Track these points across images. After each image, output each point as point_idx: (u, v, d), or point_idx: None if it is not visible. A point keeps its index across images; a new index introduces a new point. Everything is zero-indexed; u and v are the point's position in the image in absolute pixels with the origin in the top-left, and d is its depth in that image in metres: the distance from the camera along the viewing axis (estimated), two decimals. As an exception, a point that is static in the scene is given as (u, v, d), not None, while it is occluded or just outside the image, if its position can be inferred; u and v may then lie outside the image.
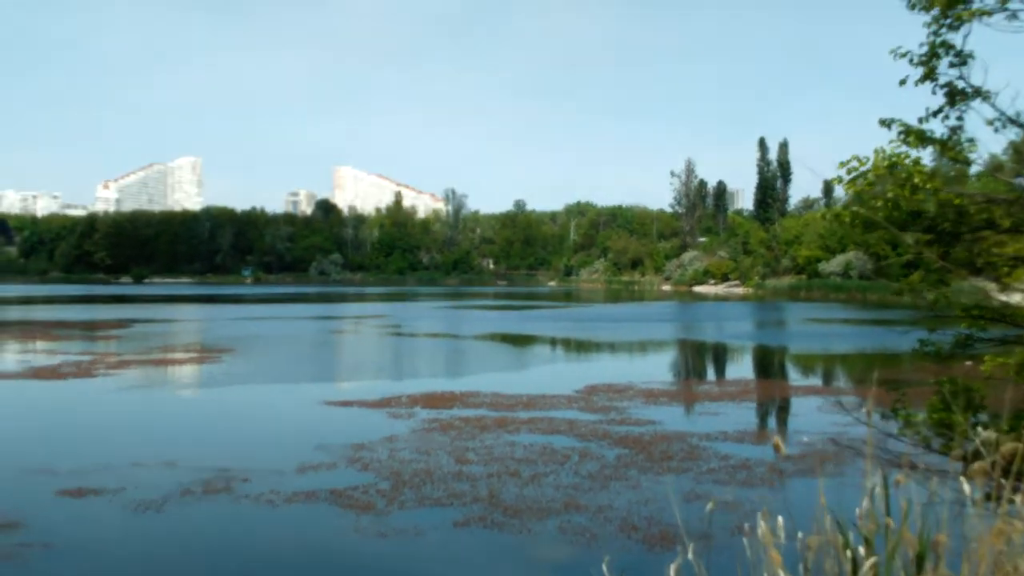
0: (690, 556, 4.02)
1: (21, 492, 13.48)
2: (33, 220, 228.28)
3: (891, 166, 6.59)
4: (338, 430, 18.71)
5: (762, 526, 4.32)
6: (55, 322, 54.05)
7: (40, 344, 38.74)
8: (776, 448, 4.48)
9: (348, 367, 30.64)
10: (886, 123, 6.88)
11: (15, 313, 68.00)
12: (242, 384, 26.23)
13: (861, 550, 4.02)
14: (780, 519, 4.43)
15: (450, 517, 12.35)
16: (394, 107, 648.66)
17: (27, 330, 48.59)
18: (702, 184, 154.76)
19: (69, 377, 26.88)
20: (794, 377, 30.52)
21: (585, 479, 14.46)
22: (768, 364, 35.61)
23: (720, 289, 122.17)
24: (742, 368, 34.85)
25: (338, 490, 13.63)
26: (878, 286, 74.59)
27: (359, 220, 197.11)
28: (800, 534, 4.30)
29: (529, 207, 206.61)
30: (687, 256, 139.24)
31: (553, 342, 43.20)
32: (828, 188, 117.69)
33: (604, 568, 4.16)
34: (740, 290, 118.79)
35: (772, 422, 21.65)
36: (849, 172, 6.88)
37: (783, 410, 23.49)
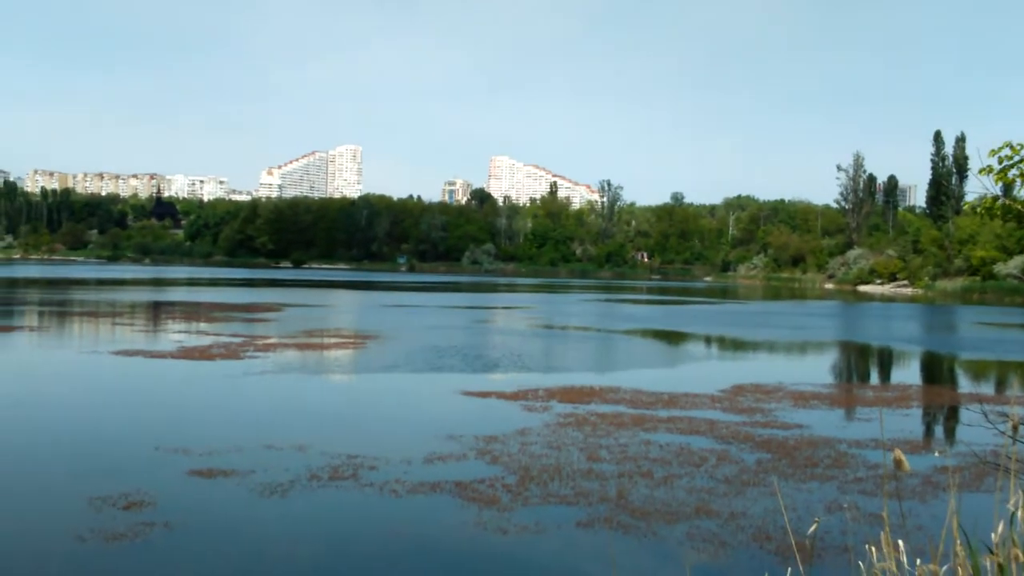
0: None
1: (154, 471, 13.72)
2: (199, 204, 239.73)
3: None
4: (471, 421, 18.51)
5: (872, 552, 3.79)
6: (214, 304, 56.24)
7: (197, 325, 40.24)
8: (897, 463, 3.92)
9: (490, 358, 30.50)
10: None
11: (179, 295, 71.15)
12: (383, 371, 26.43)
13: None
14: (900, 542, 3.91)
15: (574, 516, 11.89)
16: (553, 97, 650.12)
17: (187, 311, 50.80)
18: (871, 179, 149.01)
19: (218, 358, 27.66)
20: (961, 385, 28.62)
21: (720, 483, 13.75)
22: (933, 370, 33.67)
23: (887, 289, 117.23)
24: (903, 373, 33.05)
25: (463, 482, 13.36)
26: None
27: (513, 210, 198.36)
28: (919, 561, 3.76)
29: (687, 200, 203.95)
30: (852, 254, 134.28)
31: (703, 339, 42.14)
32: (1009, 186, 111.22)
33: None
34: (908, 291, 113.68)
35: (929, 431, 20.25)
36: (1001, 161, 6.04)
37: (942, 420, 22.01)
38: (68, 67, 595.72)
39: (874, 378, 31.28)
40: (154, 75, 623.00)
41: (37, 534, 10.83)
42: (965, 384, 28.63)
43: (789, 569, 3.79)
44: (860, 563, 3.79)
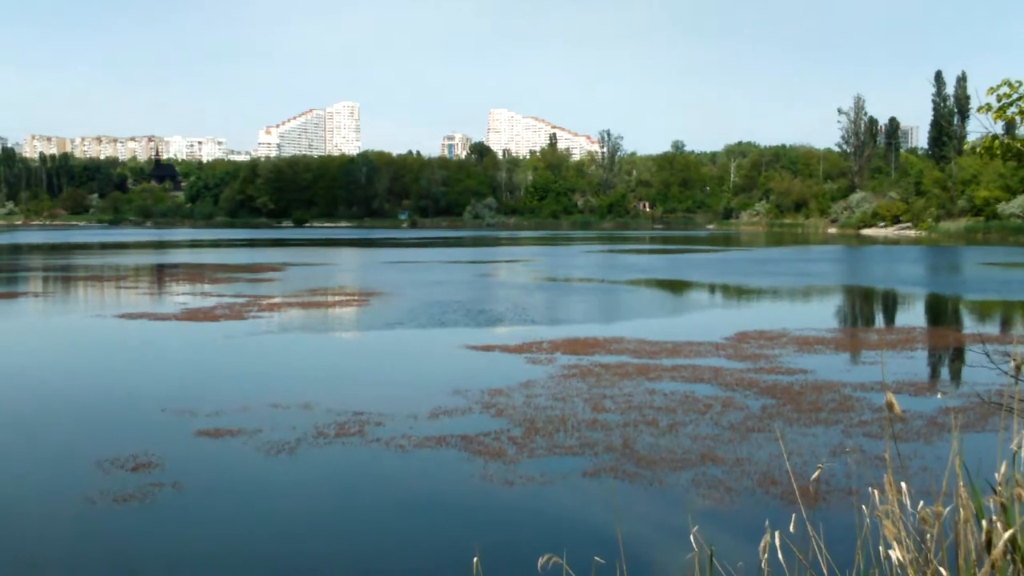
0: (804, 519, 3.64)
1: (160, 432, 13.78)
2: (199, 166, 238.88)
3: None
4: (476, 375, 18.55)
5: (875, 494, 3.78)
6: (216, 265, 56.31)
7: (199, 287, 40.30)
8: (889, 406, 3.91)
9: (494, 312, 30.52)
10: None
11: (181, 256, 71.20)
12: (387, 328, 26.46)
13: (997, 520, 3.51)
14: (904, 485, 3.91)
15: (580, 466, 11.95)
16: (551, 48, 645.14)
17: (190, 272, 50.92)
18: (872, 122, 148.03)
19: (221, 319, 27.69)
20: (965, 326, 28.59)
21: (725, 430, 13.79)
22: (937, 312, 33.64)
23: (890, 232, 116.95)
24: (908, 316, 33.07)
25: (469, 436, 13.42)
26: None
27: (513, 163, 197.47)
28: (921, 503, 3.76)
29: (688, 148, 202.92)
30: (855, 197, 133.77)
31: (706, 287, 42.12)
32: (1010, 124, 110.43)
33: (692, 539, 3.66)
34: (912, 233, 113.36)
35: (933, 373, 20.27)
36: (999, 99, 5.95)
37: (947, 361, 22.04)
38: (63, 30, 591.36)
39: (878, 321, 31.28)
40: (149, 36, 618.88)
41: (46, 496, 10.92)
42: (969, 325, 28.62)
43: (793, 514, 3.78)
44: (864, 506, 3.79)
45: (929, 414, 14.62)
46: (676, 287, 42.66)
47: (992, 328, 27.58)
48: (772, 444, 12.92)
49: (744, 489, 10.93)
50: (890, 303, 36.70)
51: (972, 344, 23.04)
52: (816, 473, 4.29)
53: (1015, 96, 5.85)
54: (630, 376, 18.18)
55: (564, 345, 22.30)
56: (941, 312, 33.42)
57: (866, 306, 36.11)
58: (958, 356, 22.40)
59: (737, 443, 13.00)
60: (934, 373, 20.26)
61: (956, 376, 20.10)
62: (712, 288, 41.71)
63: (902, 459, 11.57)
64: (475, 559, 3.64)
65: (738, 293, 39.46)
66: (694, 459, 12.24)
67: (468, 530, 9.93)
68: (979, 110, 6.11)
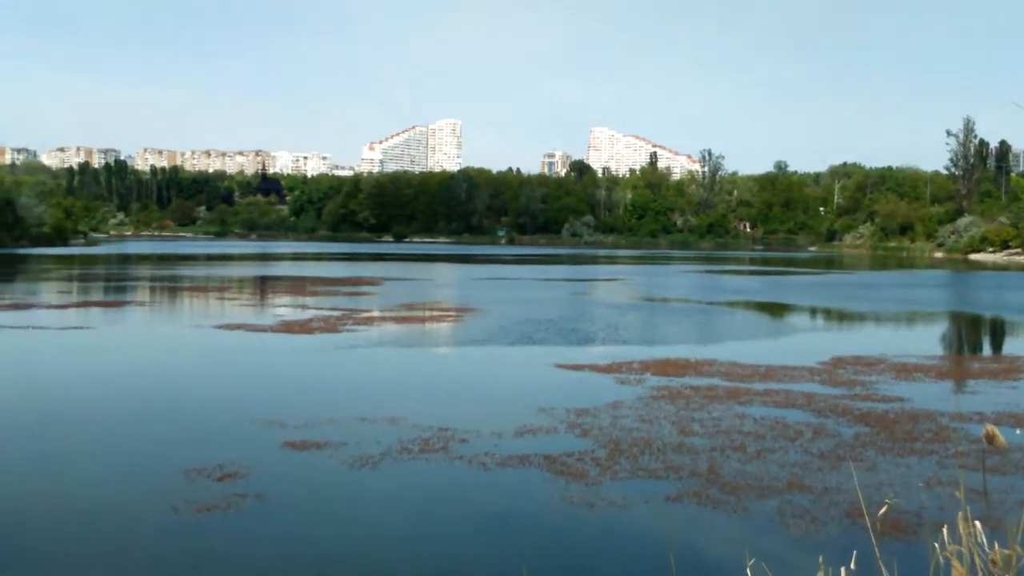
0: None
1: (249, 443, 14.06)
2: (303, 180, 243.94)
3: None
4: (564, 394, 18.47)
5: (945, 534, 3.63)
6: (316, 278, 57.37)
7: (298, 299, 41.09)
8: (990, 438, 3.75)
9: (586, 331, 30.43)
10: None
11: (283, 269, 72.74)
12: (478, 344, 26.58)
13: None
14: (978, 524, 3.76)
15: (663, 491, 11.79)
16: (655, 66, 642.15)
17: (290, 285, 52.01)
18: (982, 144, 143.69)
19: (316, 332, 28.17)
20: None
21: (815, 458, 13.46)
22: (1045, 340, 32.36)
23: (999, 258, 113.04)
24: (1014, 344, 31.87)
25: (553, 456, 13.36)
26: None
27: (613, 181, 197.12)
28: (996, 545, 3.61)
29: (790, 168, 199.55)
30: (963, 221, 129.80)
31: (804, 311, 41.30)
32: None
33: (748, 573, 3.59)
34: (1022, 259, 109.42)
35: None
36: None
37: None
38: (174, 47, 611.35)
39: (983, 350, 30.24)
40: (258, 53, 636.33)
41: (132, 503, 11.21)
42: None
43: (862, 549, 3.67)
44: (935, 544, 3.65)
45: (1031, 448, 14.04)
46: (773, 309, 41.92)
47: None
48: (863, 474, 12.56)
49: (831, 519, 10.64)
50: (995, 331, 35.45)
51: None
52: (884, 509, 4.14)
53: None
54: (720, 399, 17.90)
55: (655, 366, 22.08)
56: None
57: (970, 333, 34.94)
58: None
59: (826, 472, 12.67)
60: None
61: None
62: (810, 311, 40.90)
63: (999, 495, 11.15)
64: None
65: (837, 317, 38.60)
66: (781, 487, 11.97)
67: (544, 551, 9.87)
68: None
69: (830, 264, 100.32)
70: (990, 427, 3.86)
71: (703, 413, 16.61)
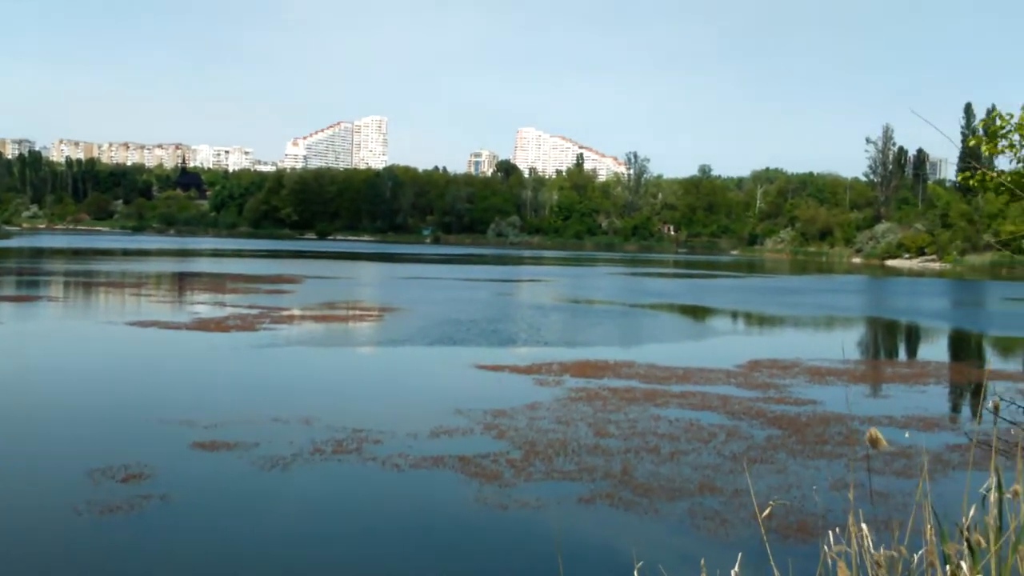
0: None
1: (157, 443, 13.71)
2: (224, 175, 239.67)
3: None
4: (482, 395, 18.42)
5: (831, 535, 3.66)
6: (235, 275, 56.49)
7: (215, 296, 40.43)
8: (873, 441, 3.79)
9: (508, 332, 30.40)
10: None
11: (201, 266, 71.44)
12: (398, 344, 26.38)
13: (964, 567, 3.38)
14: (864, 526, 3.79)
15: (576, 492, 11.79)
16: (581, 68, 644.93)
17: (207, 282, 51.06)
18: (901, 152, 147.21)
19: (232, 330, 27.70)
20: (983, 362, 28.15)
21: (727, 460, 13.60)
22: (955, 346, 33.25)
23: (915, 264, 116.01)
24: (927, 350, 32.68)
25: (467, 457, 13.28)
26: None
27: (539, 183, 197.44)
28: (882, 548, 3.64)
29: (714, 173, 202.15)
30: (880, 228, 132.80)
31: (724, 314, 41.83)
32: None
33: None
34: (936, 265, 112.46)
35: (945, 408, 19.94)
36: (990, 132, 5.81)
37: (962, 397, 21.69)
38: (93, 35, 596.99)
39: (895, 354, 30.96)
40: (179, 44, 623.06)
41: (33, 505, 10.86)
42: (988, 361, 28.21)
43: (762, 549, 3.66)
44: (827, 547, 3.65)
45: (936, 451, 14.35)
46: (694, 313, 42.39)
47: (1011, 365, 27.18)
48: (773, 476, 12.73)
49: (739, 521, 10.74)
50: (909, 336, 36.31)
51: (988, 380, 22.67)
52: (767, 511, 4.15)
53: (1006, 128, 5.71)
54: (637, 401, 18.00)
55: (574, 368, 22.14)
56: (960, 347, 33.02)
57: (884, 338, 35.72)
58: (971, 393, 22.04)
59: (738, 474, 12.78)
60: (945, 408, 19.93)
61: (959, 412, 19.74)
62: (730, 315, 41.43)
63: (904, 497, 11.36)
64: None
65: (756, 321, 39.18)
66: (693, 489, 12.06)
67: (455, 553, 9.79)
68: (967, 141, 6.03)
69: (751, 268, 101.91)
70: (873, 431, 3.92)
71: (620, 415, 16.68)
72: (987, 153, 5.91)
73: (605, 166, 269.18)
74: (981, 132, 5.80)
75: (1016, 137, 5.67)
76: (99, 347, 24.93)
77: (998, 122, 5.70)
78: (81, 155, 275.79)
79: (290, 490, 11.70)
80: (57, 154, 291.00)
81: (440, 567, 9.38)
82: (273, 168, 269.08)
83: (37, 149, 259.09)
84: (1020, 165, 6.11)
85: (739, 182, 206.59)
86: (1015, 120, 5.61)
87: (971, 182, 6.24)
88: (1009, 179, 5.91)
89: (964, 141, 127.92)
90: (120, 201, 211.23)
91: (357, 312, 36.11)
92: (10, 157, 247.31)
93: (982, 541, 3.41)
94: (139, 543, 9.67)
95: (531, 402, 17.57)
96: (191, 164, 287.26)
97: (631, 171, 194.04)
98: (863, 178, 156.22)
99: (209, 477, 12.10)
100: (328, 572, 9.28)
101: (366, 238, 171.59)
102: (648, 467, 13.10)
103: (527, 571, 9.58)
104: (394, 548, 9.93)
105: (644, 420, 16.28)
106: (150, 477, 11.80)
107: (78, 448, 13.40)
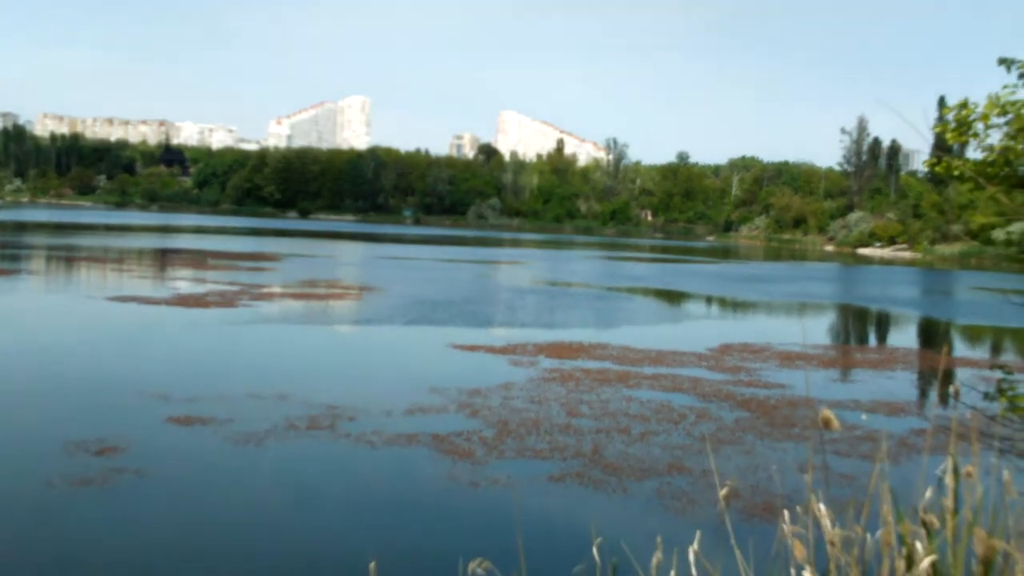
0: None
1: (132, 417, 13.83)
2: (208, 152, 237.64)
3: (1003, 114, 5.71)
4: (457, 374, 18.62)
5: (785, 515, 3.83)
6: (216, 252, 56.31)
7: (196, 273, 40.40)
8: (825, 423, 3.98)
9: (485, 312, 30.59)
10: (1006, 63, 5.94)
11: (183, 242, 71.18)
12: (376, 323, 26.55)
13: (919, 546, 3.57)
14: (822, 506, 3.96)
15: (547, 470, 12.02)
16: (563, 54, 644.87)
17: (188, 258, 50.94)
18: (875, 143, 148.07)
19: (212, 306, 27.76)
20: (950, 349, 28.59)
21: (696, 440, 13.87)
22: (922, 333, 33.72)
23: (886, 253, 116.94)
24: (895, 336, 33.12)
25: (440, 435, 13.48)
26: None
27: (519, 166, 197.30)
28: (838, 527, 3.82)
29: (692, 160, 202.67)
30: (853, 217, 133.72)
31: (698, 299, 42.18)
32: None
33: (595, 551, 3.73)
34: (907, 254, 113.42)
35: (910, 393, 20.33)
36: (956, 121, 6.02)
37: (927, 383, 22.09)
38: (79, 8, 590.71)
39: (864, 340, 31.37)
40: (165, 20, 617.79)
41: (6, 477, 10.96)
42: (954, 349, 28.66)
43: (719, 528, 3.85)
44: (784, 526, 3.84)
45: (900, 435, 14.68)
46: (669, 297, 42.71)
47: (977, 353, 27.64)
48: (741, 457, 13.01)
49: (707, 501, 11.00)
50: (878, 323, 36.76)
51: (952, 367, 23.10)
52: (724, 490, 4.34)
53: (971, 117, 5.93)
54: (610, 383, 18.25)
55: (549, 349, 22.37)
56: (928, 335, 33.48)
57: (854, 325, 36.16)
58: (935, 379, 22.42)
59: (707, 454, 13.05)
60: (911, 394, 20.31)
61: (926, 397, 20.13)
62: (704, 299, 41.78)
63: (863, 479, 11.65)
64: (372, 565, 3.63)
65: (729, 306, 39.53)
66: (662, 468, 12.31)
67: (426, 529, 9.98)
68: (934, 128, 6.22)
69: (726, 254, 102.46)
70: (826, 411, 4.07)
71: (592, 395, 16.93)
72: (951, 142, 6.13)
73: (585, 151, 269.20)
74: (949, 119, 6.01)
75: (980, 126, 5.89)
76: (78, 321, 24.92)
77: (963, 112, 5.92)
78: (65, 129, 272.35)
79: (263, 465, 11.85)
80: (41, 128, 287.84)
81: (410, 543, 9.56)
82: (257, 146, 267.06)
83: (21, 123, 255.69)
84: (984, 155, 6.33)
85: (716, 169, 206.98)
86: (980, 110, 5.84)
87: (936, 168, 6.46)
88: (972, 167, 6.13)
89: (934, 131, 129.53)
90: (103, 176, 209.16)
91: (336, 291, 36.18)
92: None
93: (935, 522, 3.60)
94: (112, 516, 9.81)
95: (505, 382, 17.78)
96: (175, 141, 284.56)
97: (610, 157, 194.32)
98: (837, 168, 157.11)
99: (183, 451, 12.23)
100: (299, 546, 9.42)
101: (348, 218, 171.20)
102: (618, 447, 13.35)
103: (494, 548, 9.75)
104: (365, 523, 10.12)
105: (616, 401, 16.54)
106: (124, 451, 11.92)
107: (54, 421, 13.48)
